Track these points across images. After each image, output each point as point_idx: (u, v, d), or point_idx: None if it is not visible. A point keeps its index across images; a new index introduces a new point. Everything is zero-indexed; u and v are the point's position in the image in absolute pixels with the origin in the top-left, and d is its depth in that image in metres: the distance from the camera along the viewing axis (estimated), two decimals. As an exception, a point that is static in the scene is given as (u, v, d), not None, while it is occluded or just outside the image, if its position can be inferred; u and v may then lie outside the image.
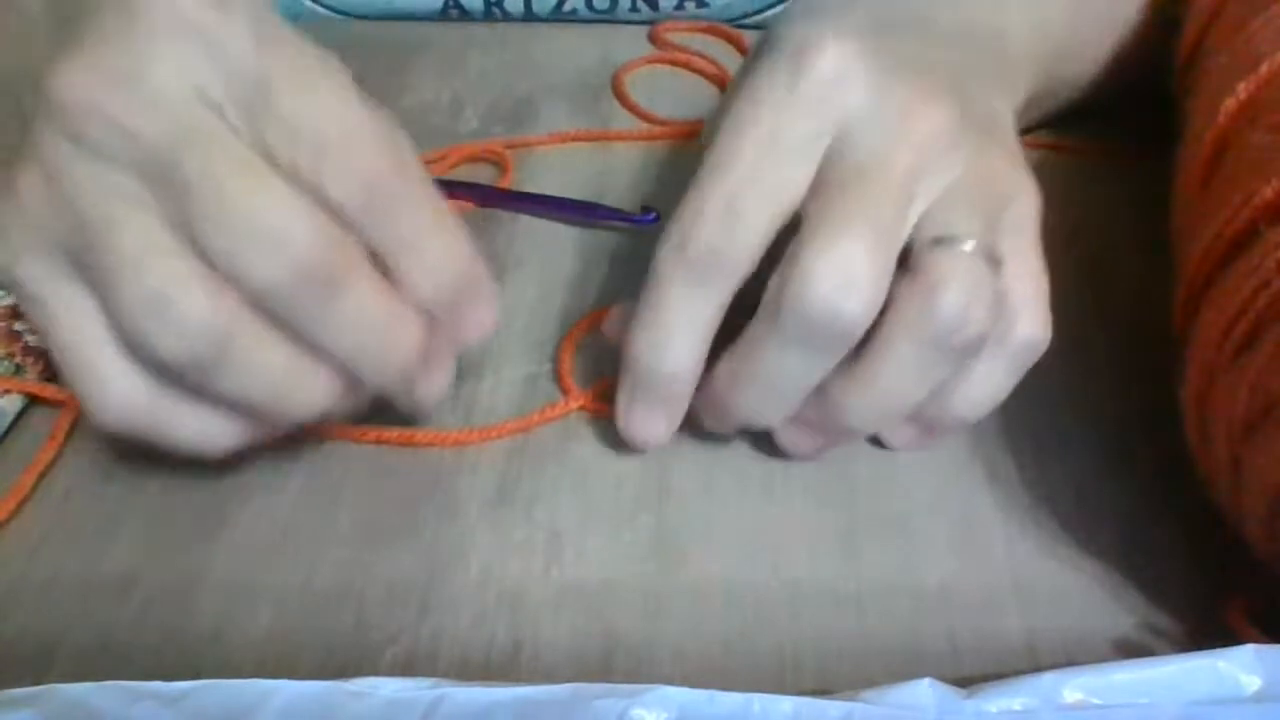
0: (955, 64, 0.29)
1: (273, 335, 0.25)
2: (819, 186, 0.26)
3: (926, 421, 0.30)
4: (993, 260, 0.26)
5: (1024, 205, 0.28)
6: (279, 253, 0.24)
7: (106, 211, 0.24)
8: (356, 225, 0.25)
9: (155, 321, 0.24)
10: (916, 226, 0.26)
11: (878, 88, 0.26)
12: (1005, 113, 0.31)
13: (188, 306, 0.24)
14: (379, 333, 0.26)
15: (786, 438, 0.30)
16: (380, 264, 0.26)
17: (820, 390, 0.28)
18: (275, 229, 0.24)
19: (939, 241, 0.26)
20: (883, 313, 0.26)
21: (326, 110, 0.24)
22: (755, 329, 0.27)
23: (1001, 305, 0.27)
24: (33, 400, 0.32)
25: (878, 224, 0.25)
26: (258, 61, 0.24)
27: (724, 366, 0.28)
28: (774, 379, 0.27)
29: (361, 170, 0.24)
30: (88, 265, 0.25)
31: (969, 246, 0.26)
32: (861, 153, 0.26)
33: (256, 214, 0.23)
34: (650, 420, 0.29)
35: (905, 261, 0.26)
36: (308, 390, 0.26)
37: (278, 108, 0.24)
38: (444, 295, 0.27)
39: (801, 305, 0.25)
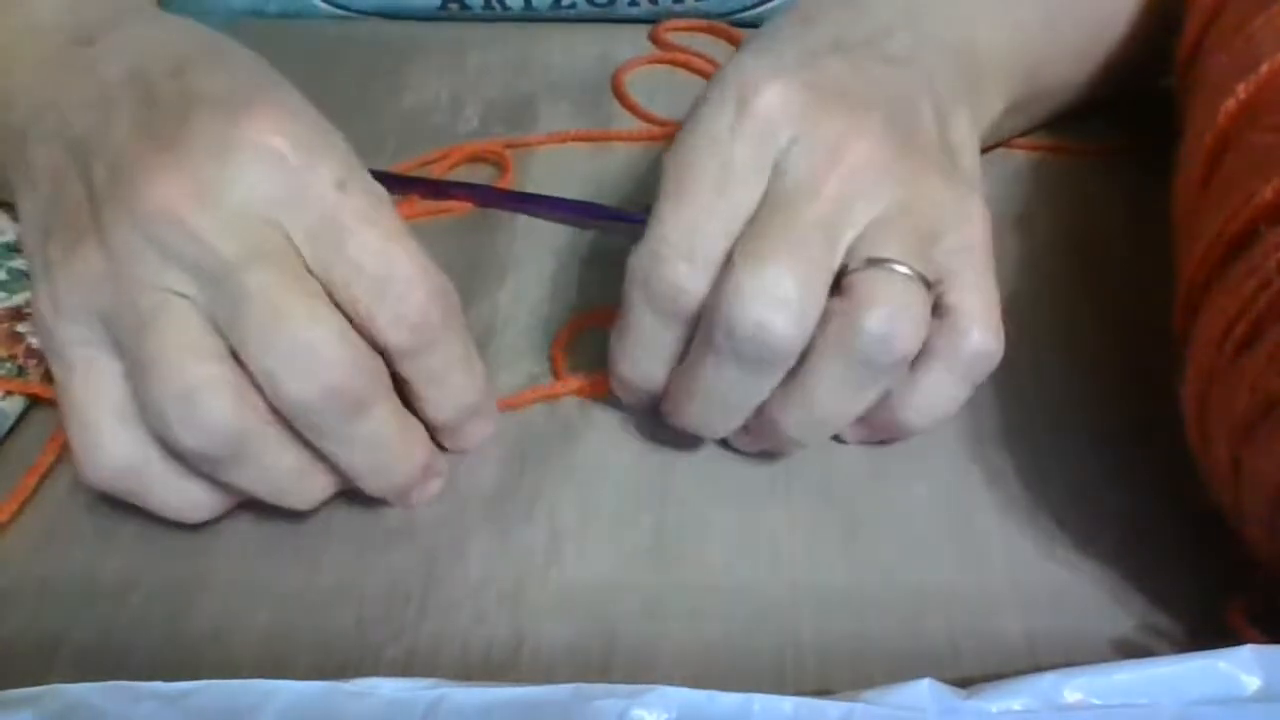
0: (907, 85, 0.30)
1: (287, 440, 0.27)
2: (757, 214, 0.28)
3: (877, 425, 0.30)
4: (928, 281, 0.27)
5: (968, 229, 0.29)
6: (316, 373, 0.25)
7: (159, 303, 0.25)
8: (398, 361, 0.27)
9: (181, 416, 0.25)
10: (851, 251, 0.27)
11: (812, 122, 0.28)
12: (967, 130, 0.31)
13: (216, 410, 0.25)
14: (390, 452, 0.27)
15: (738, 441, 0.31)
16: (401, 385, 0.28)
17: (762, 405, 0.29)
18: (317, 350, 0.25)
19: (870, 264, 0.27)
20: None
21: (391, 258, 0.26)
22: (696, 348, 0.28)
23: (951, 319, 0.28)
24: (34, 402, 0.32)
25: (805, 249, 0.27)
26: (336, 203, 0.26)
27: (673, 382, 0.30)
28: (714, 395, 0.28)
29: (413, 316, 0.26)
30: (127, 345, 0.26)
31: (900, 269, 0.27)
32: (793, 182, 0.27)
33: (301, 333, 0.25)
34: (630, 398, 0.32)
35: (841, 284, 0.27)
36: (309, 489, 0.28)
37: (347, 248, 0.26)
38: (458, 419, 0.30)
39: (733, 325, 0.26)
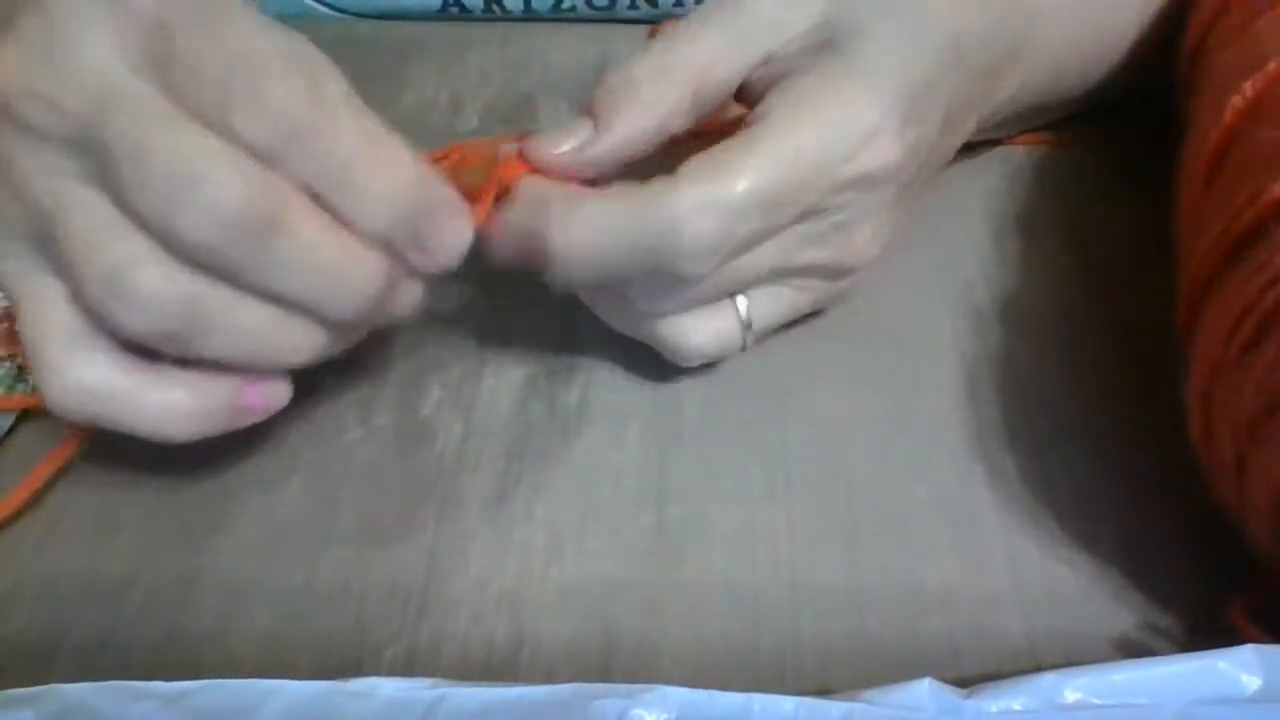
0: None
1: (238, 294, 0.25)
2: None
3: None
4: None
5: None
6: (203, 204, 0.23)
7: (54, 192, 0.24)
8: (279, 165, 0.24)
9: (117, 302, 0.24)
10: None
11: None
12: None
13: (144, 283, 0.24)
14: (331, 265, 0.25)
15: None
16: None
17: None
18: (194, 182, 0.23)
19: None
20: None
21: (225, 46, 0.23)
22: None
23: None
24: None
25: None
26: (158, 8, 0.23)
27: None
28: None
29: (272, 105, 0.23)
30: (50, 252, 0.25)
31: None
32: None
33: (174, 170, 0.23)
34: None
35: None
36: (288, 340, 0.26)
37: (178, 52, 0.23)
38: (394, 226, 0.25)
39: None
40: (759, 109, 0.28)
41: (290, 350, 0.26)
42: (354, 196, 0.25)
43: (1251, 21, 0.31)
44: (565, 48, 0.48)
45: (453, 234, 0.26)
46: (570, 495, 0.31)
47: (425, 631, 0.27)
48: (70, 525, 0.30)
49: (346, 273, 0.25)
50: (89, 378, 0.25)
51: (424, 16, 0.50)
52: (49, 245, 0.25)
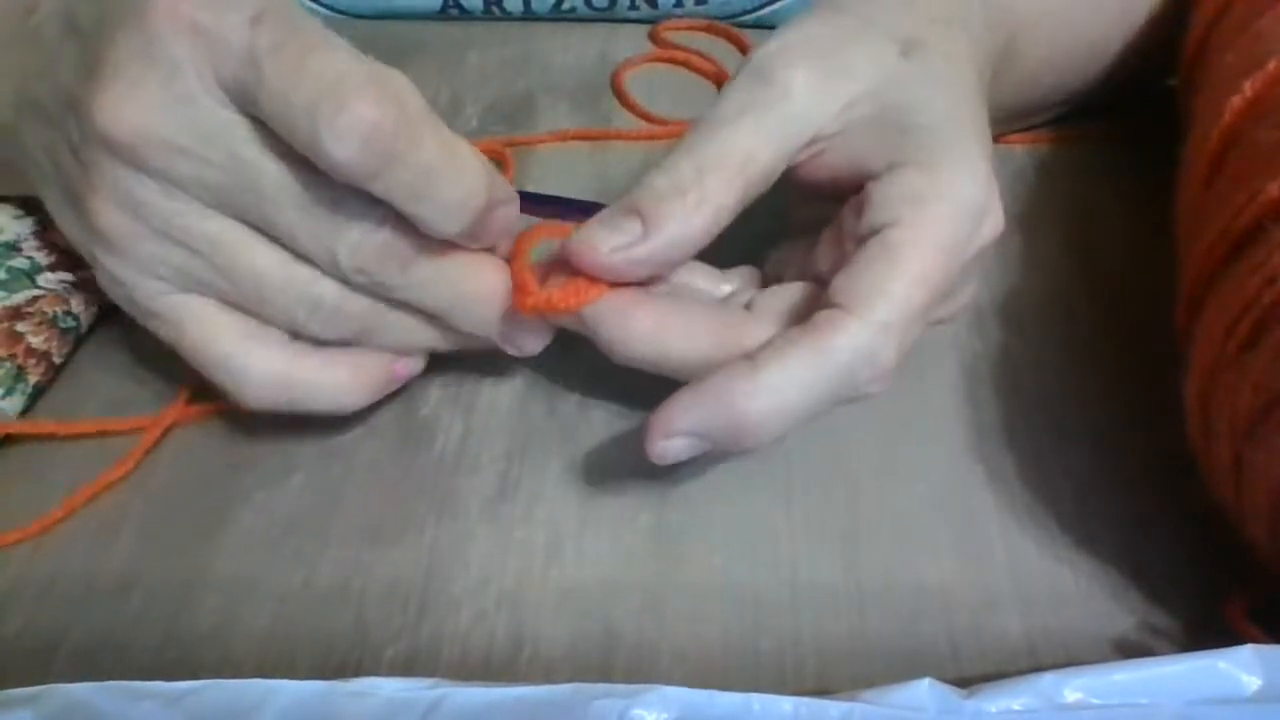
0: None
1: (391, 306, 0.28)
2: None
3: None
4: None
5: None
6: (346, 241, 0.26)
7: (212, 232, 0.27)
8: (371, 181, 0.25)
9: (312, 317, 0.28)
10: None
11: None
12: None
13: (329, 299, 0.27)
14: (458, 282, 0.28)
15: None
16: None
17: None
18: (341, 223, 0.26)
19: None
20: None
21: (309, 75, 0.24)
22: None
23: None
24: (34, 402, 0.32)
25: None
26: (250, 44, 0.24)
27: None
28: None
29: (359, 127, 0.24)
30: (207, 275, 0.27)
31: None
32: None
33: (324, 217, 0.26)
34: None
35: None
36: (429, 333, 0.30)
37: (267, 83, 0.24)
38: (474, 219, 0.27)
39: None
40: (876, 213, 0.27)
41: (433, 338, 0.30)
42: (437, 198, 0.26)
43: (1253, 21, 0.31)
44: (565, 48, 0.48)
45: (505, 220, 0.28)
46: (570, 495, 0.31)
47: (425, 631, 0.27)
48: (70, 525, 0.30)
49: (472, 281, 0.28)
50: (275, 367, 0.28)
51: (424, 17, 0.50)
52: (193, 265, 0.27)
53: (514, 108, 0.45)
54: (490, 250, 0.29)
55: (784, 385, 0.26)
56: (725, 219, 0.28)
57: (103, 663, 0.26)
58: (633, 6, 0.50)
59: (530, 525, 0.30)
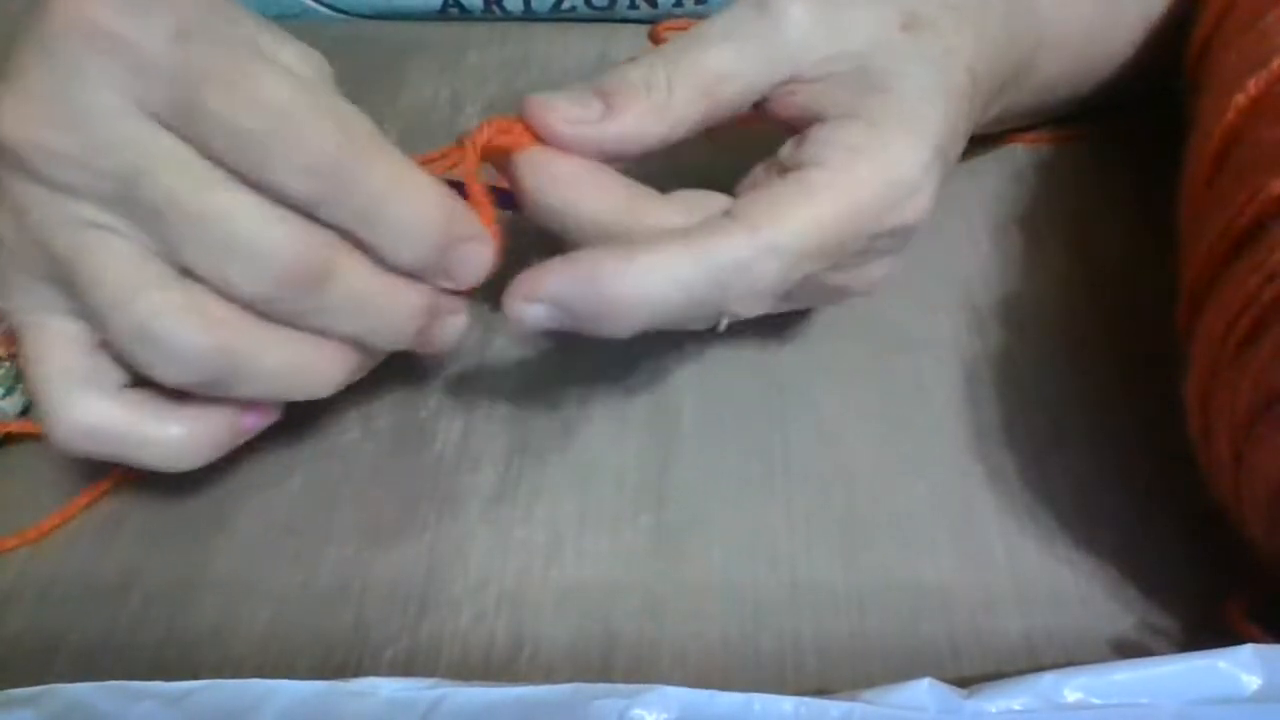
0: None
1: (275, 334, 0.25)
2: None
3: None
4: None
5: None
6: (259, 265, 0.24)
7: (80, 245, 0.24)
8: (318, 211, 0.24)
9: (151, 353, 0.24)
10: None
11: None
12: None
13: (181, 334, 0.24)
14: (377, 309, 0.26)
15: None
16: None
17: None
18: (249, 243, 0.24)
19: None
20: None
21: (257, 101, 0.23)
22: None
23: None
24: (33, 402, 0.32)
25: None
26: (178, 64, 0.23)
27: None
28: None
29: (306, 157, 0.23)
30: (75, 299, 0.25)
31: None
32: None
33: (227, 231, 0.23)
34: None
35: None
36: (323, 371, 0.27)
37: (205, 112, 0.23)
38: (426, 256, 0.26)
39: None
40: (809, 150, 0.28)
41: (323, 383, 0.27)
42: (388, 234, 0.25)
43: (1257, 19, 0.31)
44: (565, 48, 0.48)
45: (479, 253, 0.27)
46: (570, 495, 0.31)
47: (425, 631, 0.27)
48: (70, 525, 0.30)
49: (392, 307, 0.26)
50: (90, 418, 0.26)
51: (424, 16, 0.50)
52: (68, 290, 0.25)
53: (514, 108, 0.44)
54: (467, 294, 0.28)
55: (653, 275, 0.25)
56: (683, 132, 0.28)
57: (103, 663, 0.27)
58: (633, 6, 0.50)
59: (530, 525, 0.30)
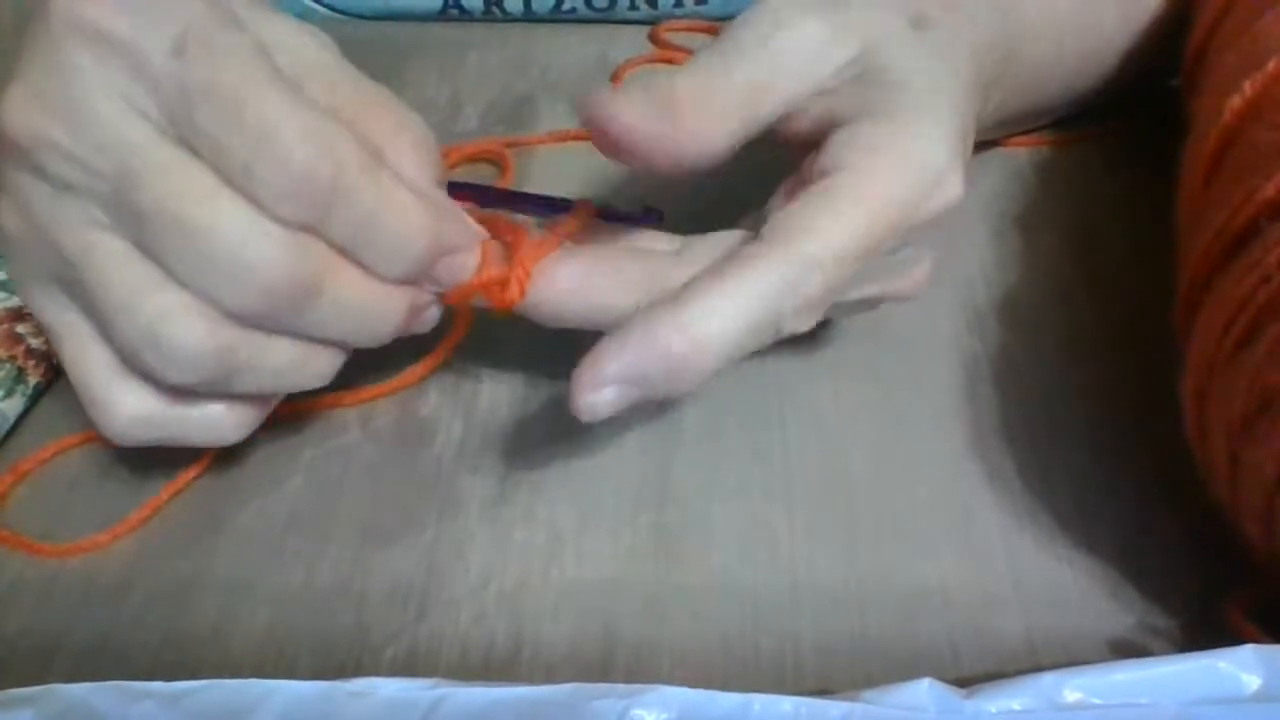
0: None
1: (270, 337, 0.26)
2: None
3: None
4: None
5: None
6: (248, 279, 0.24)
7: (84, 244, 0.24)
8: (306, 227, 0.24)
9: (154, 355, 0.24)
10: None
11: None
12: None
13: (183, 340, 0.24)
14: (365, 317, 0.26)
15: None
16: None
17: None
18: (238, 256, 0.23)
19: None
20: None
21: (243, 121, 0.23)
22: None
23: None
24: (34, 402, 0.32)
25: None
26: (175, 75, 0.23)
27: None
28: None
29: (295, 177, 0.23)
30: (78, 295, 0.25)
31: None
32: None
33: (217, 244, 0.23)
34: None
35: None
36: (321, 365, 0.27)
37: (199, 125, 0.23)
38: (415, 271, 0.27)
39: None
40: (829, 156, 0.28)
41: (313, 376, 0.27)
42: (377, 253, 0.26)
43: (1253, 21, 0.31)
44: (565, 49, 0.48)
45: (461, 265, 0.28)
46: (570, 495, 0.31)
47: (425, 631, 0.27)
48: (71, 526, 0.30)
49: (380, 315, 0.27)
50: (139, 408, 0.26)
51: (424, 17, 0.50)
52: (76, 289, 0.25)
53: (514, 108, 0.45)
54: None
55: (711, 320, 0.25)
56: (733, 145, 0.27)
57: (102, 663, 0.26)
58: (633, 7, 0.50)
59: (530, 525, 0.30)
